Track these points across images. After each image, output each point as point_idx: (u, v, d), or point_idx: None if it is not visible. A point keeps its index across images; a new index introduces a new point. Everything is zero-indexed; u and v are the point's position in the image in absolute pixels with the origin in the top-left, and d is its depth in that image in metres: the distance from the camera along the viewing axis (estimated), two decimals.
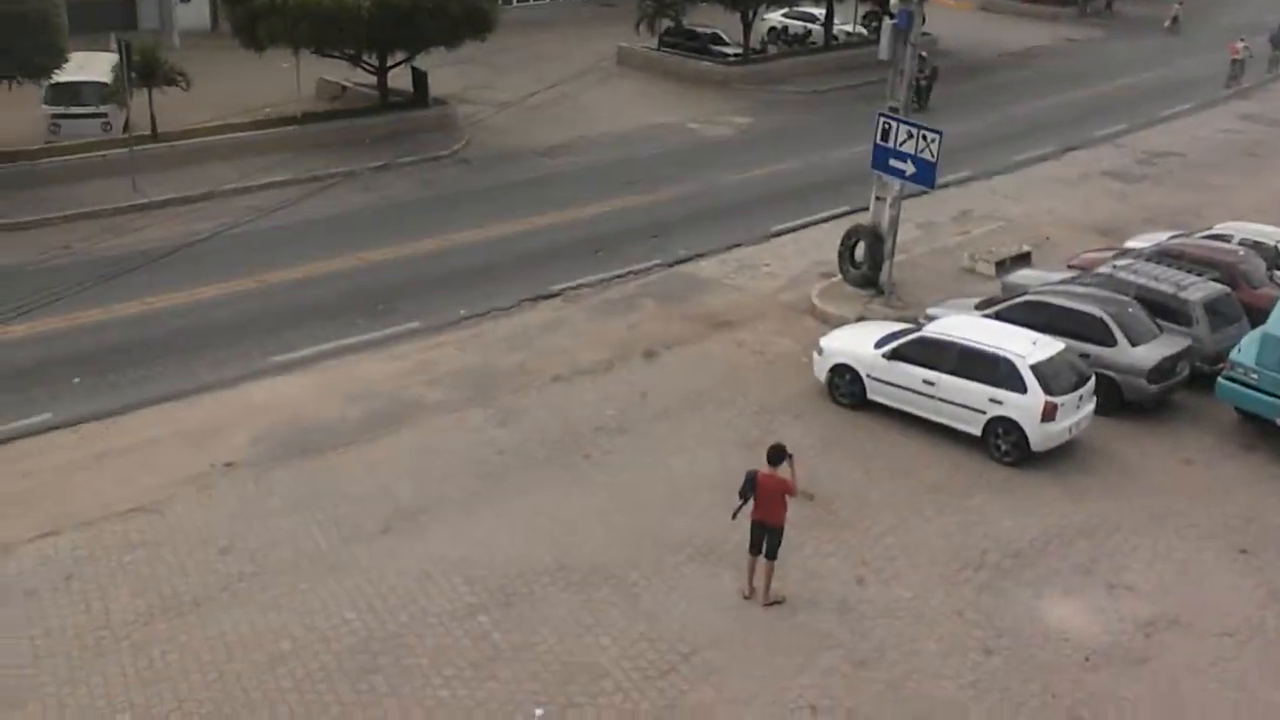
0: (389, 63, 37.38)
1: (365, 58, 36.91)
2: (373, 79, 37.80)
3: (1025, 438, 19.19)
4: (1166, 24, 63.50)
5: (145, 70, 31.78)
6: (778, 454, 15.36)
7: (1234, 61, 51.45)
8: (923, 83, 38.57)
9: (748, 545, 15.75)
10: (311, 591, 15.63)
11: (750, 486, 15.43)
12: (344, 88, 39.32)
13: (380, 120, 36.86)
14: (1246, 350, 20.54)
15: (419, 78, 38.01)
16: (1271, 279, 24.33)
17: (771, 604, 15.72)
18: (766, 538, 15.52)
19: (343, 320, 24.16)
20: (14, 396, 20.54)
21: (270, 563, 16.20)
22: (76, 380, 21.28)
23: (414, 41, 36.01)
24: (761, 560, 15.64)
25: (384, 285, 25.96)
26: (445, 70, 39.08)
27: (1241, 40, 51.98)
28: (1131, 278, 22.79)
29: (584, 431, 19.93)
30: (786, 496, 15.40)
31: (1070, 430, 19.48)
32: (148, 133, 32.72)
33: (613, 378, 22.20)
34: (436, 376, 22.02)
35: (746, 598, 15.87)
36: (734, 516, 15.61)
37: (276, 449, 19.22)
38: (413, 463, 18.91)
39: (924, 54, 37.57)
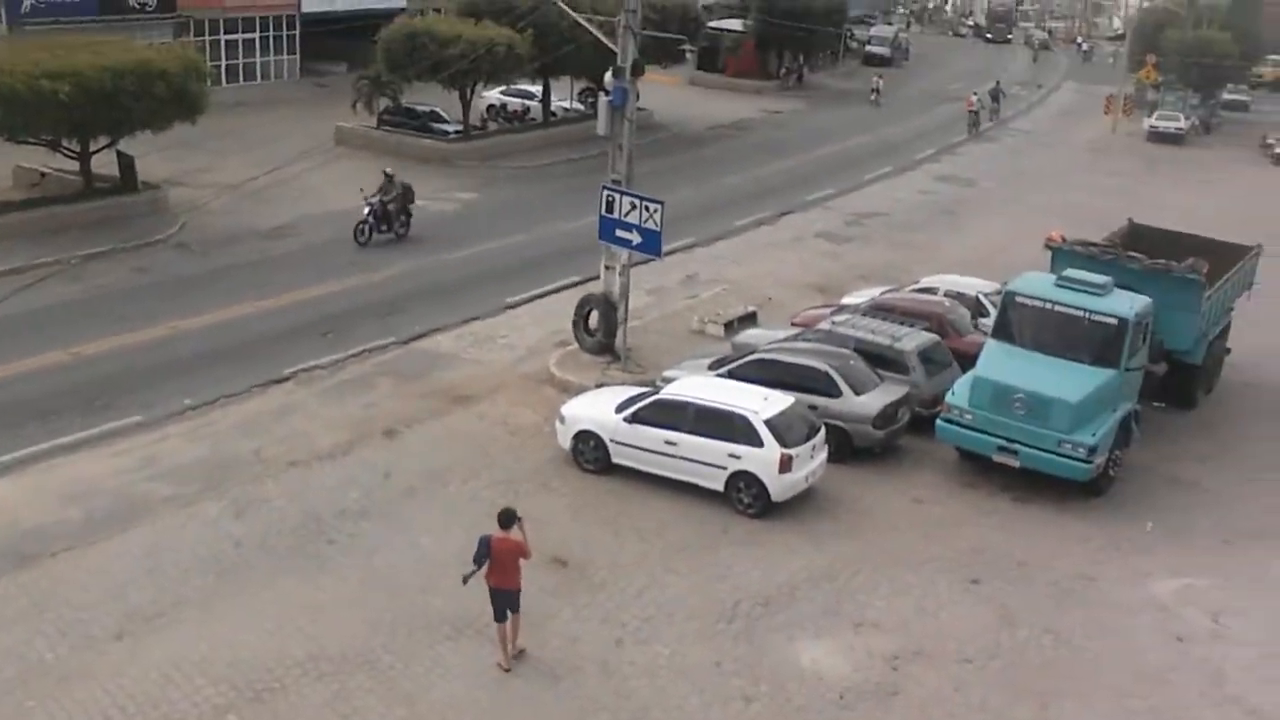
0: (92, 147, 35.67)
1: (65, 143, 35.09)
2: (75, 165, 35.97)
3: (765, 489, 19.83)
4: (871, 96, 67.86)
5: None
6: (508, 518, 15.50)
7: (970, 112, 60.77)
8: (390, 206, 34.61)
9: (493, 616, 15.71)
10: (39, 708, 14.48)
11: (485, 552, 15.39)
12: (43, 174, 37.23)
13: (85, 207, 34.98)
14: (960, 393, 21.91)
15: (125, 162, 36.37)
16: (976, 327, 26.07)
17: (520, 654, 15.83)
18: (508, 600, 15.59)
19: (56, 419, 22.62)
20: None
21: None
22: None
23: (118, 125, 34.48)
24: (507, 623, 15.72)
25: (101, 379, 24.54)
26: (156, 154, 37.59)
27: (974, 94, 60.75)
28: (850, 331, 24.01)
29: (327, 517, 19.33)
30: (520, 559, 15.48)
31: (807, 479, 20.23)
32: None
33: (353, 460, 21.65)
34: (164, 470, 20.90)
35: (507, 670, 15.66)
36: (465, 581, 15.48)
37: None
38: (144, 563, 17.82)
39: (389, 171, 35.42)
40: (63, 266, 30.27)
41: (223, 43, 57.54)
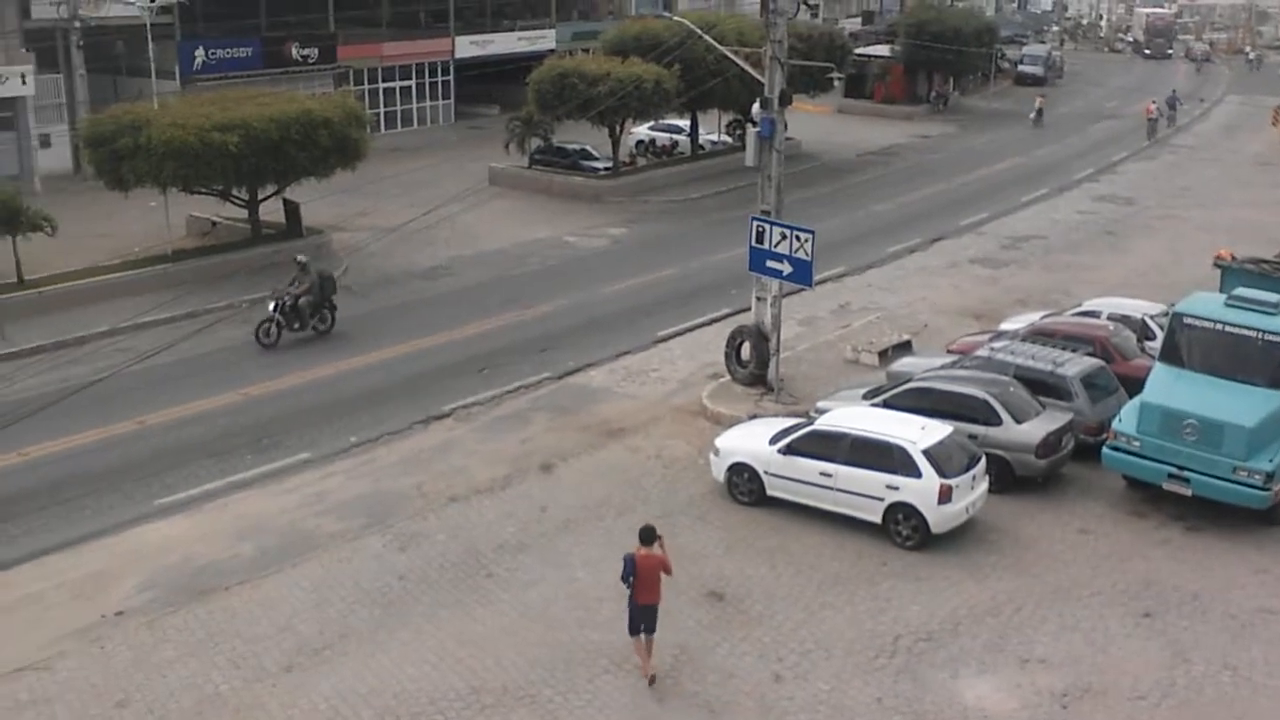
0: (259, 196, 37.15)
1: (235, 192, 36.63)
2: (244, 213, 37.50)
3: (925, 521, 19.44)
4: (1032, 116, 66.45)
5: (7, 218, 31.07)
6: (649, 534, 15.92)
7: (1150, 120, 61.73)
8: (302, 300, 29.67)
9: (629, 629, 16.06)
10: None
11: (632, 569, 15.76)
12: (214, 223, 38.93)
13: (254, 253, 36.45)
14: (1127, 419, 21.19)
15: (291, 209, 37.82)
16: (1142, 350, 25.21)
17: (652, 679, 16.01)
18: (645, 616, 15.94)
19: (228, 457, 23.59)
20: None
21: (170, 713, 15.51)
22: None
23: (284, 173, 35.89)
24: (643, 637, 16.07)
25: (270, 418, 25.47)
26: (319, 200, 38.98)
27: (1153, 102, 61.40)
28: (1009, 358, 23.44)
29: (486, 550, 19.62)
30: (663, 574, 15.84)
31: (967, 510, 19.78)
32: (14, 280, 31.90)
33: (511, 494, 21.96)
34: (330, 506, 21.54)
35: (653, 683, 15.95)
36: (630, 603, 15.95)
37: (168, 594, 18.52)
38: (312, 597, 18.36)
39: (301, 259, 30.74)
40: (233, 310, 31.59)
41: (381, 90, 59.58)
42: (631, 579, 15.73)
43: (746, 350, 26.23)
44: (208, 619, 17.75)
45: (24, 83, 45.50)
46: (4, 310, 29.79)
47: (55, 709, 15.63)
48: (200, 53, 51.48)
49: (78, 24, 46.95)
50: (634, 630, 16.06)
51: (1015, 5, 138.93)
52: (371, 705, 15.60)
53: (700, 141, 53.33)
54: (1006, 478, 21.28)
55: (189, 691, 15.96)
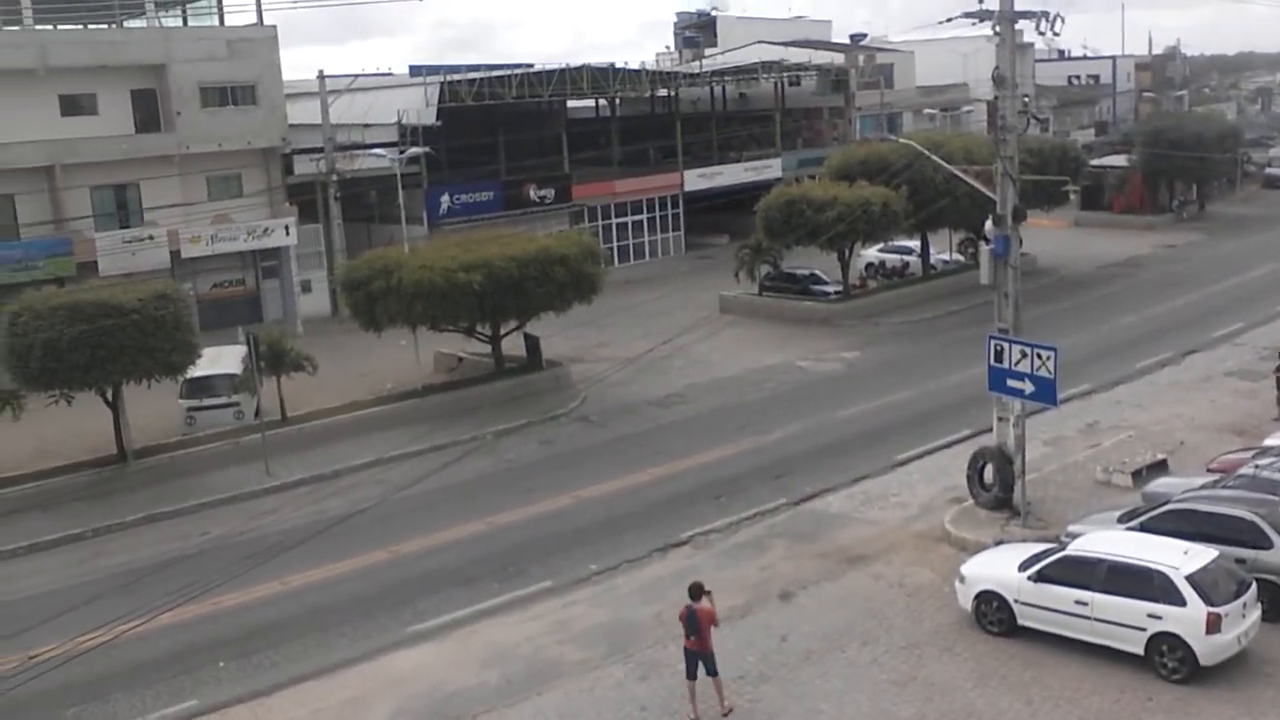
0: (501, 331, 38.62)
1: (479, 328, 38.18)
2: (487, 348, 39.00)
3: (1192, 653, 18.24)
4: None
5: (272, 359, 33.21)
6: (698, 590, 18.35)
7: None
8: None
9: (685, 674, 18.38)
10: None
11: (694, 622, 18.07)
12: (460, 359, 40.60)
13: (497, 386, 37.82)
14: None
15: (532, 343, 39.14)
16: None
17: (728, 713, 18.23)
18: (702, 661, 18.19)
19: (475, 585, 24.22)
20: (161, 686, 20.76)
21: None
22: (221, 664, 21.47)
23: (524, 309, 37.26)
24: (704, 680, 18.26)
25: (513, 546, 26.08)
26: (558, 334, 40.26)
27: None
28: (1277, 476, 21.98)
29: (727, 681, 19.35)
30: (712, 625, 18.27)
31: (1239, 641, 18.47)
32: (278, 417, 33.95)
33: (750, 623, 21.74)
34: (573, 634, 21.79)
35: (728, 715, 18.23)
36: (686, 650, 18.33)
37: None
38: None
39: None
40: (479, 443, 32.71)
41: (614, 226, 61.45)
42: (695, 632, 18.05)
43: (989, 473, 25.44)
44: None
45: (288, 234, 49.01)
46: (269, 447, 31.63)
47: None
48: (446, 199, 54.46)
49: (335, 177, 50.39)
50: (691, 675, 18.31)
51: (1259, 107, 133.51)
52: None
53: (932, 261, 52.78)
54: None
55: None
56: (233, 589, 23.72)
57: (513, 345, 39.23)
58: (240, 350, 35.52)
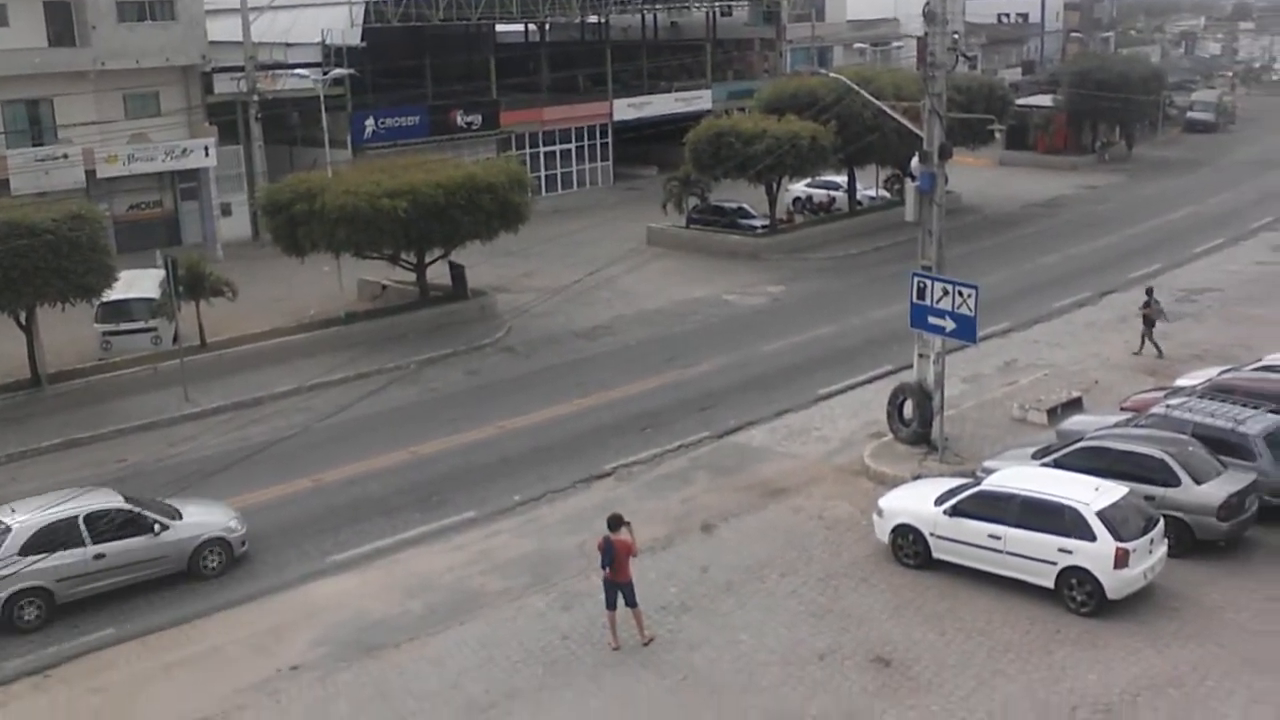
0: (427, 259, 38.24)
1: (403, 256, 37.77)
2: (412, 276, 38.63)
3: (1100, 587, 18.76)
4: None
5: (192, 283, 32.60)
6: (616, 521, 18.49)
7: None
8: None
9: (606, 604, 18.57)
10: None
11: (611, 553, 18.19)
12: (384, 286, 40.17)
13: (422, 315, 37.53)
14: None
15: (457, 271, 38.82)
16: None
17: (649, 642, 18.46)
18: (621, 592, 18.44)
19: (399, 514, 24.19)
20: (77, 615, 20.53)
21: None
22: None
23: (449, 237, 36.86)
24: (623, 611, 18.52)
25: (437, 476, 26.05)
26: (484, 263, 39.94)
27: None
28: (1188, 415, 22.57)
29: (648, 611, 19.56)
30: (630, 556, 18.41)
31: (1146, 575, 19.03)
32: (197, 343, 33.42)
33: (672, 554, 21.97)
34: (496, 564, 21.89)
35: (616, 649, 18.38)
36: (605, 581, 18.51)
37: (341, 649, 19.04)
38: (479, 655, 18.65)
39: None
40: (403, 372, 32.52)
41: (542, 154, 60.84)
42: (611, 564, 18.20)
43: (909, 408, 25.83)
44: (379, 675, 18.15)
45: (207, 155, 47.92)
46: (188, 373, 31.17)
47: None
48: (370, 123, 53.49)
49: (256, 98, 49.28)
50: (611, 605, 18.52)
51: (1182, 51, 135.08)
52: None
53: (858, 197, 53.03)
54: (1186, 541, 20.44)
55: None
56: None
57: (438, 274, 38.88)
58: (158, 274, 34.81)
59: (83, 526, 20.64)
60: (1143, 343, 32.57)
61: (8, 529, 20.29)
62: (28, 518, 20.63)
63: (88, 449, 28.30)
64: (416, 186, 35.08)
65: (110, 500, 21.44)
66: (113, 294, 32.69)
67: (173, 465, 25.98)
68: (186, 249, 43.44)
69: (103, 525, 20.73)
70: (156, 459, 26.64)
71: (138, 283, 35.18)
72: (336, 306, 37.31)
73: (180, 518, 21.66)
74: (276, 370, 32.89)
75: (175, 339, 33.38)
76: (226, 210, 49.58)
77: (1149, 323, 32.57)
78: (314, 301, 38.52)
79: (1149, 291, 33.14)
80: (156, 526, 21.16)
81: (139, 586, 21.20)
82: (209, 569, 21.63)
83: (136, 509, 21.25)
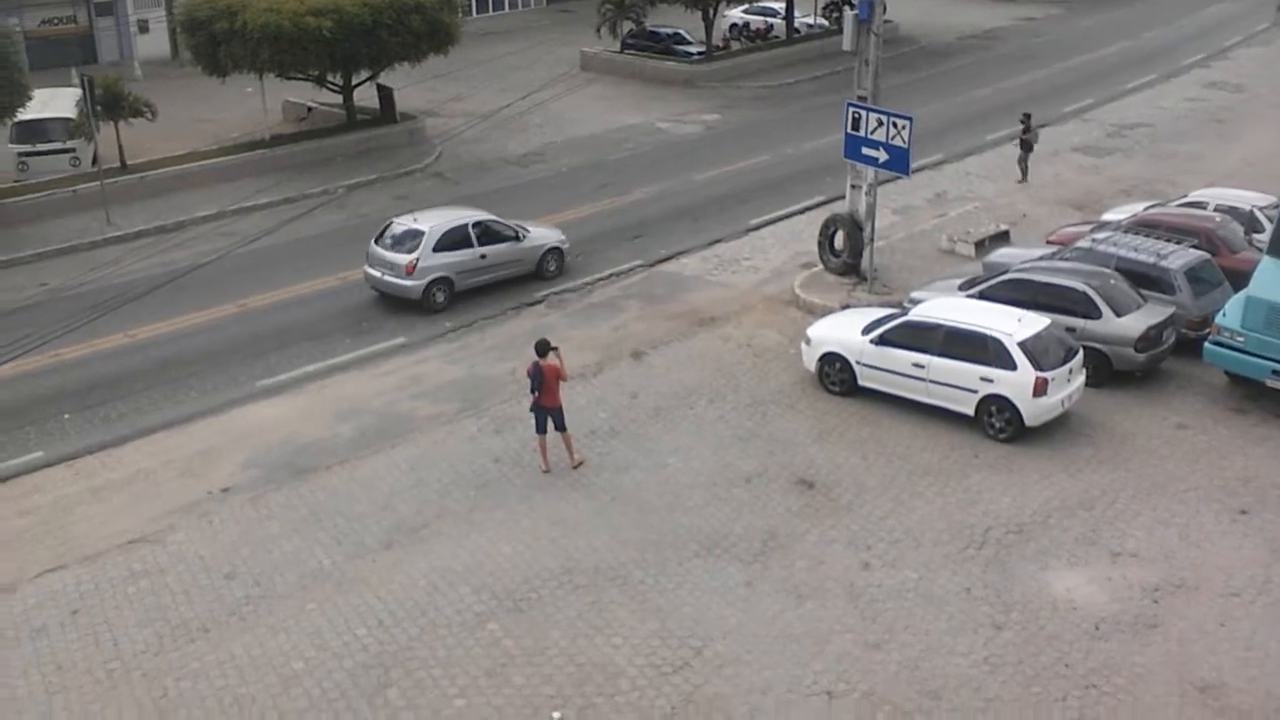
0: (354, 81, 37.26)
1: (329, 78, 36.76)
2: (338, 98, 37.68)
3: (1018, 414, 19.28)
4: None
5: (109, 103, 31.55)
6: (544, 346, 18.65)
7: None
8: None
9: (536, 429, 18.85)
10: (319, 611, 15.57)
11: (540, 379, 18.39)
12: (310, 109, 39.20)
13: (349, 139, 36.75)
14: (1231, 314, 20.68)
15: (385, 94, 37.91)
16: (1249, 243, 24.49)
17: (578, 465, 18.81)
18: (551, 417, 18.69)
19: (328, 340, 24.10)
20: (3, 437, 20.44)
21: (276, 585, 16.14)
22: (65, 416, 21.18)
23: (377, 58, 35.87)
24: (554, 435, 18.84)
25: (366, 302, 25.90)
26: (412, 86, 39.00)
27: None
28: (1111, 249, 22.91)
29: (578, 436, 19.83)
30: (560, 380, 18.73)
31: (1062, 404, 19.58)
32: (117, 165, 32.56)
33: (602, 380, 22.19)
34: (426, 390, 21.98)
35: (546, 471, 18.72)
36: (531, 407, 18.79)
37: (271, 472, 19.16)
38: (410, 476, 18.86)
39: None
40: (330, 196, 31.99)
41: None
42: (539, 388, 18.40)
43: (840, 239, 25.96)
44: (310, 497, 18.33)
45: None
46: (109, 195, 30.42)
47: (167, 579, 16.33)
48: None
49: None
50: (540, 429, 18.81)
51: None
52: (468, 582, 16.06)
53: (796, 25, 52.19)
54: (1104, 372, 21.00)
55: (293, 565, 16.56)
56: (75, 341, 23.18)
57: (365, 96, 37.96)
58: (74, 93, 33.68)
59: (471, 232, 25.79)
60: (1023, 170, 32.93)
61: (422, 232, 25.03)
62: (436, 223, 25.55)
63: (5, 272, 27.73)
64: (342, 5, 33.95)
65: (486, 215, 26.61)
66: (27, 113, 31.64)
67: (95, 289, 25.55)
68: (103, 67, 41.98)
69: (483, 231, 25.90)
70: (79, 283, 26.16)
71: (53, 102, 34.05)
72: (260, 129, 36.36)
73: (529, 233, 26.75)
74: (199, 194, 32.21)
75: (94, 161, 32.48)
76: (144, 27, 47.77)
77: (1026, 147, 32.88)
78: (237, 124, 37.54)
79: (1026, 116, 33.31)
80: (520, 233, 26.49)
81: (67, 410, 21.10)
82: (549, 271, 26.90)
83: (505, 221, 26.55)
